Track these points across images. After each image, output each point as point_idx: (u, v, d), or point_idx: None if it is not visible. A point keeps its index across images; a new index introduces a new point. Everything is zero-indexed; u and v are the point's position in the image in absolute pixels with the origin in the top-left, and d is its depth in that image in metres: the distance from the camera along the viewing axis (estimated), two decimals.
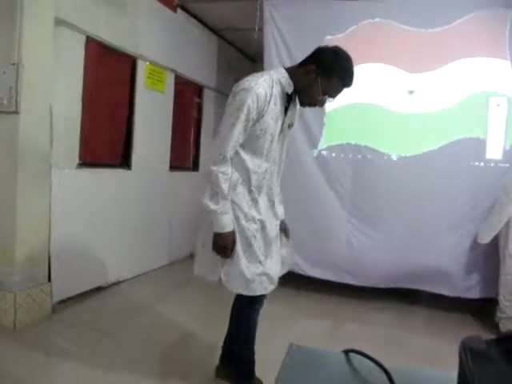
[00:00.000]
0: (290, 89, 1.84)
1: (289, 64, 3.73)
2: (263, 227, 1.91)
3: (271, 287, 1.95)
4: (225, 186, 1.76)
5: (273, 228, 1.97)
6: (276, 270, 1.98)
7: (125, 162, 3.77)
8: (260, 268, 1.88)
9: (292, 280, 3.88)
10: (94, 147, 3.36)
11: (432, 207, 3.45)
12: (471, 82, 3.41)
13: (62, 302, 3.04)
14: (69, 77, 3.06)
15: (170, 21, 4.17)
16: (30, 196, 2.75)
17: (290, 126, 1.96)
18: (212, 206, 1.76)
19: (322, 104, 1.88)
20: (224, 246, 1.81)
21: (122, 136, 3.73)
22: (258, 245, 1.89)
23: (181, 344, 2.38)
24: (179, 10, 4.31)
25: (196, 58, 4.69)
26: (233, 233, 1.82)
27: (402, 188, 3.52)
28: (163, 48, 4.09)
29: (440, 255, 3.41)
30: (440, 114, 3.48)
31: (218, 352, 2.25)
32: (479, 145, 3.40)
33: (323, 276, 3.72)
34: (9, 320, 2.68)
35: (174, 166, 4.50)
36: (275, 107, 1.81)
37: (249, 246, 1.86)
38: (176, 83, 4.36)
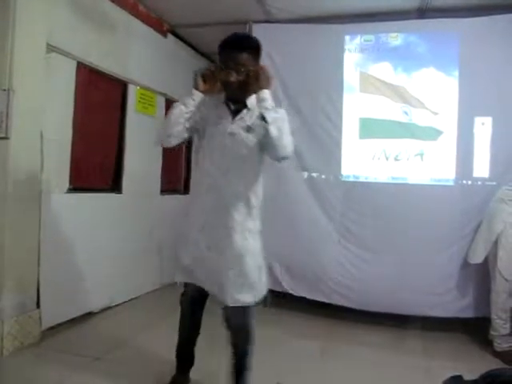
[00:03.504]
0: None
1: (278, 85, 3.83)
2: None
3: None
4: None
5: None
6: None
7: (115, 186, 3.76)
8: None
9: (282, 301, 3.90)
10: (85, 171, 3.36)
11: (421, 227, 3.46)
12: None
13: (52, 328, 2.98)
14: (60, 101, 3.07)
15: (161, 45, 4.24)
16: (20, 221, 2.73)
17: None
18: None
19: (226, 81, 1.96)
20: None
21: (112, 160, 3.74)
22: None
23: (172, 370, 2.34)
24: (169, 35, 4.39)
25: (186, 81, 4.71)
26: None
27: (390, 209, 3.56)
28: (154, 72, 4.14)
29: (431, 276, 3.41)
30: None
31: (212, 379, 2.22)
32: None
33: (313, 297, 3.70)
34: None
35: (165, 189, 4.50)
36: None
37: None
38: (167, 107, 4.39)
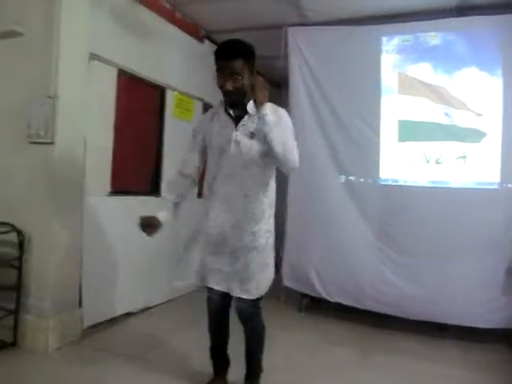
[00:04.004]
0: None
1: (314, 88, 3.81)
2: None
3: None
4: None
5: None
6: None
7: (154, 189, 3.84)
8: None
9: (320, 306, 3.86)
10: (125, 175, 3.46)
11: (463, 232, 3.34)
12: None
13: (92, 327, 3.08)
14: (101, 108, 3.18)
15: (197, 51, 4.31)
16: (64, 223, 2.84)
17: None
18: None
19: (223, 88, 1.97)
20: None
21: (151, 164, 3.82)
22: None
23: (210, 371, 2.37)
24: (205, 41, 4.46)
25: None
26: None
27: (430, 214, 3.45)
28: (191, 77, 4.21)
29: (473, 284, 3.27)
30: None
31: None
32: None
33: (350, 303, 3.63)
34: (41, 344, 2.74)
35: (202, 192, 4.54)
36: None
37: None
38: (204, 111, 4.45)
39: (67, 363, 2.63)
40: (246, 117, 2.04)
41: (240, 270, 2.08)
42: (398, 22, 3.65)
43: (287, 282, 3.93)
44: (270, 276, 2.18)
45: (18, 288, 2.76)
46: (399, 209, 3.57)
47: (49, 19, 2.75)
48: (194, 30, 4.26)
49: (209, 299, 2.26)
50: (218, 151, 2.07)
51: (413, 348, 3.19)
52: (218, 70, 1.96)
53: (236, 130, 2.03)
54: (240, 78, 1.93)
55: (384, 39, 3.72)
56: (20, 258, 2.76)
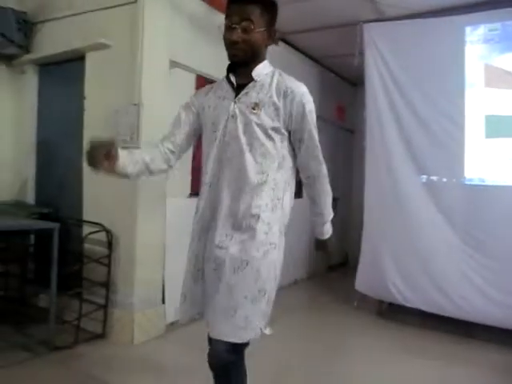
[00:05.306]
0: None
1: (392, 86, 3.69)
2: None
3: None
4: None
5: None
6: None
7: None
8: None
9: (399, 313, 3.71)
10: None
11: None
12: None
13: (174, 323, 3.20)
14: None
15: (273, 53, 4.30)
16: (148, 222, 3.00)
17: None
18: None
19: (228, 39, 1.51)
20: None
21: None
22: None
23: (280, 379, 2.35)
24: (280, 42, 4.47)
25: None
26: None
27: None
28: None
29: None
30: None
31: None
32: None
33: (432, 309, 3.46)
34: (127, 336, 2.92)
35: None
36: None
37: None
38: None
39: (151, 355, 2.78)
40: (251, 84, 1.53)
41: (221, 295, 1.45)
42: (483, 10, 3.42)
43: (361, 286, 3.85)
44: (266, 309, 1.51)
45: (107, 284, 2.96)
46: (487, 211, 3.34)
47: (133, 31, 2.93)
48: None
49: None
50: (212, 130, 1.56)
51: (502, 361, 2.96)
52: (227, 17, 1.50)
53: (235, 102, 1.53)
54: (253, 27, 1.46)
55: (468, 29, 3.52)
56: (109, 256, 2.96)
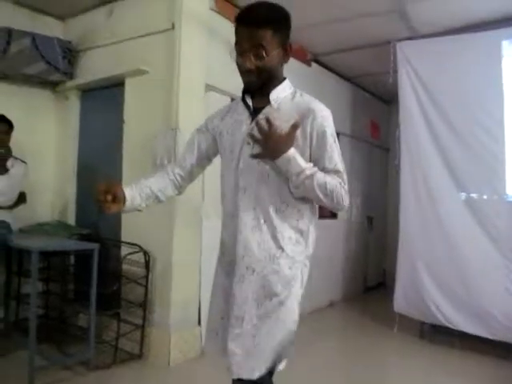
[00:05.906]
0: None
1: (428, 103, 3.63)
2: None
3: None
4: None
5: None
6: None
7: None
8: None
9: (445, 335, 3.57)
10: None
11: None
12: None
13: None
14: None
15: (306, 74, 4.36)
16: (184, 244, 3.03)
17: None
18: None
19: (241, 67, 1.42)
20: None
21: None
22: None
23: None
24: (313, 64, 4.51)
25: (331, 107, 4.75)
26: None
27: None
28: None
29: None
30: None
31: None
32: None
33: (475, 331, 3.31)
34: (164, 358, 2.92)
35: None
36: None
37: None
38: None
39: (188, 378, 2.77)
40: (267, 108, 1.45)
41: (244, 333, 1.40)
42: None
43: (400, 308, 3.74)
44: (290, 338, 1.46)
45: (144, 304, 2.99)
46: None
47: (170, 57, 3.01)
48: (302, 54, 4.32)
49: None
50: (230, 156, 1.48)
51: None
52: (237, 43, 1.42)
53: (252, 127, 1.42)
54: (265, 53, 1.37)
55: (505, 43, 3.45)
56: (146, 276, 3.00)
